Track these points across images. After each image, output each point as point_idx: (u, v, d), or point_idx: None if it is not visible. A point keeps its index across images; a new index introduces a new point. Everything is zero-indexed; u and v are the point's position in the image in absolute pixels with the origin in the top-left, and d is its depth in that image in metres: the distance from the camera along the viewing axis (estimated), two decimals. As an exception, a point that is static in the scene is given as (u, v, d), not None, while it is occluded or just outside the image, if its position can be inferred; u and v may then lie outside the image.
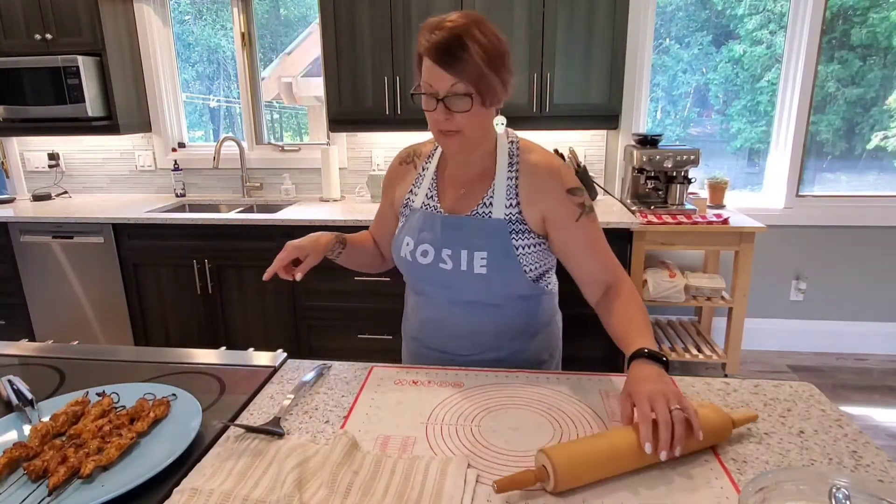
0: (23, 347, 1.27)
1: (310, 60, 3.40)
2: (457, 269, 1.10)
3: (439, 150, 1.18)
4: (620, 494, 0.77)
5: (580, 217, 1.08)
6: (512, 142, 1.13)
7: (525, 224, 1.10)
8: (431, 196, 1.16)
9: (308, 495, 0.75)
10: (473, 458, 0.85)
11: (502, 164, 1.11)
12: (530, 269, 1.13)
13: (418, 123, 2.81)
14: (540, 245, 1.13)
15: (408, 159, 1.23)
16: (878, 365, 3.06)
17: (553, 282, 1.24)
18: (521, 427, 0.92)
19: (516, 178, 1.10)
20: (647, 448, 0.77)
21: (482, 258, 1.08)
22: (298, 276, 1.11)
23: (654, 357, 0.92)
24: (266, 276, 1.11)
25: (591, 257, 1.11)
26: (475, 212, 1.11)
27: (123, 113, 3.09)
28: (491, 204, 1.10)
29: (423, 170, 1.19)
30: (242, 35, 3.25)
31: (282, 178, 3.34)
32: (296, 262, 1.13)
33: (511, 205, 1.10)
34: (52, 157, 3.46)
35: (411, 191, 1.20)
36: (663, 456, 0.78)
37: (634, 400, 0.85)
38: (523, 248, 1.10)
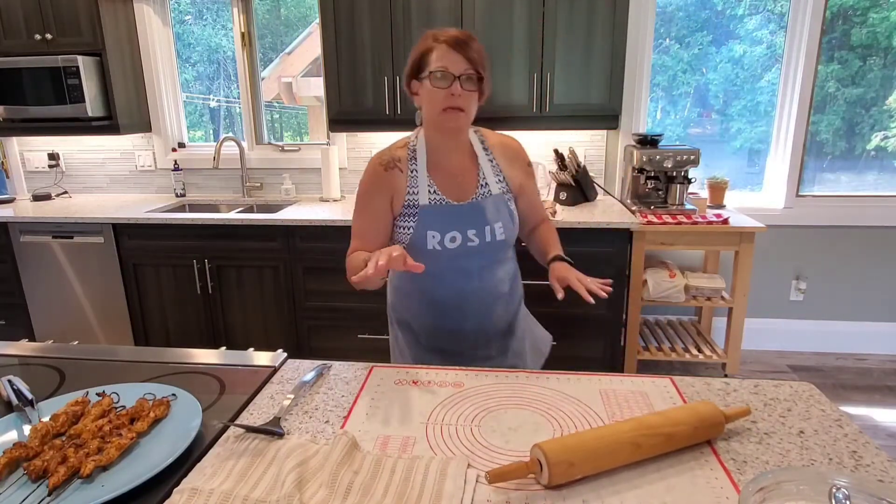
0: (23, 347, 1.27)
1: (310, 60, 3.40)
2: (483, 242, 1.29)
3: (418, 151, 1.30)
4: (620, 493, 0.77)
5: (532, 176, 1.43)
6: (475, 131, 1.36)
7: (512, 193, 1.36)
8: (434, 191, 1.28)
9: (308, 495, 0.75)
10: (473, 458, 0.85)
11: (478, 149, 1.34)
12: (521, 225, 1.41)
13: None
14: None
15: (390, 165, 1.29)
16: (878, 365, 3.06)
17: None
18: (520, 427, 0.93)
19: (493, 159, 1.34)
20: (601, 294, 1.18)
21: (500, 227, 1.30)
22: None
23: (566, 260, 1.32)
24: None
25: (538, 204, 1.46)
26: (478, 194, 1.30)
27: (123, 113, 3.10)
28: (487, 184, 1.32)
29: (413, 171, 1.28)
30: (242, 35, 3.25)
31: (282, 178, 3.34)
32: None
33: (500, 180, 1.34)
34: (52, 157, 3.46)
35: (409, 192, 1.27)
36: (602, 294, 1.18)
37: (568, 279, 1.23)
38: (517, 210, 1.37)
